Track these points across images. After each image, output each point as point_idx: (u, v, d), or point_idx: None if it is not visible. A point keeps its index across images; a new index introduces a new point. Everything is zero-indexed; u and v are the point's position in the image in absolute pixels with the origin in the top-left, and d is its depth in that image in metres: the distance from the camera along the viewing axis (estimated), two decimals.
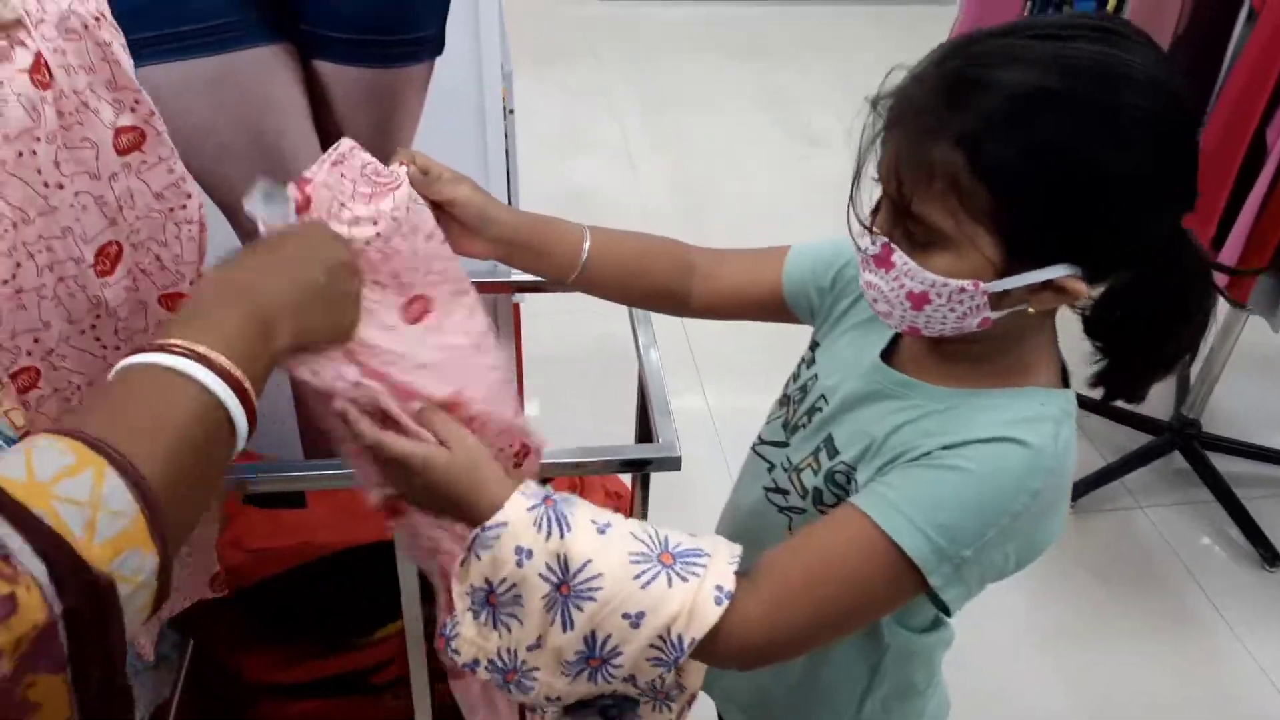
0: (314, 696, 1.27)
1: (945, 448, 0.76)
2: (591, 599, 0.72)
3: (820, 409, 0.91)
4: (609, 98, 4.22)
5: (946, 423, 0.79)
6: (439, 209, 0.86)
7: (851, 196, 0.77)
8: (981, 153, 0.68)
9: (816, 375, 0.94)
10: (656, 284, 1.00)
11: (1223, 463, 2.43)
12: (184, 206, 0.91)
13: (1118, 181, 0.68)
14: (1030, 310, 0.74)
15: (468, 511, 0.76)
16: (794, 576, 0.77)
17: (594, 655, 0.74)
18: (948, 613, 0.79)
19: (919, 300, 0.75)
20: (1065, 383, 0.82)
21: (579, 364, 2.60)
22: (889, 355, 0.88)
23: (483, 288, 1.46)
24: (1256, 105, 1.78)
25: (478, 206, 0.89)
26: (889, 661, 0.96)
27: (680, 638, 0.72)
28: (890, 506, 0.76)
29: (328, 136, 1.27)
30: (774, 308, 1.00)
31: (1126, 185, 0.68)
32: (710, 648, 0.74)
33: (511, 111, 1.45)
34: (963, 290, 0.73)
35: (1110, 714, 1.95)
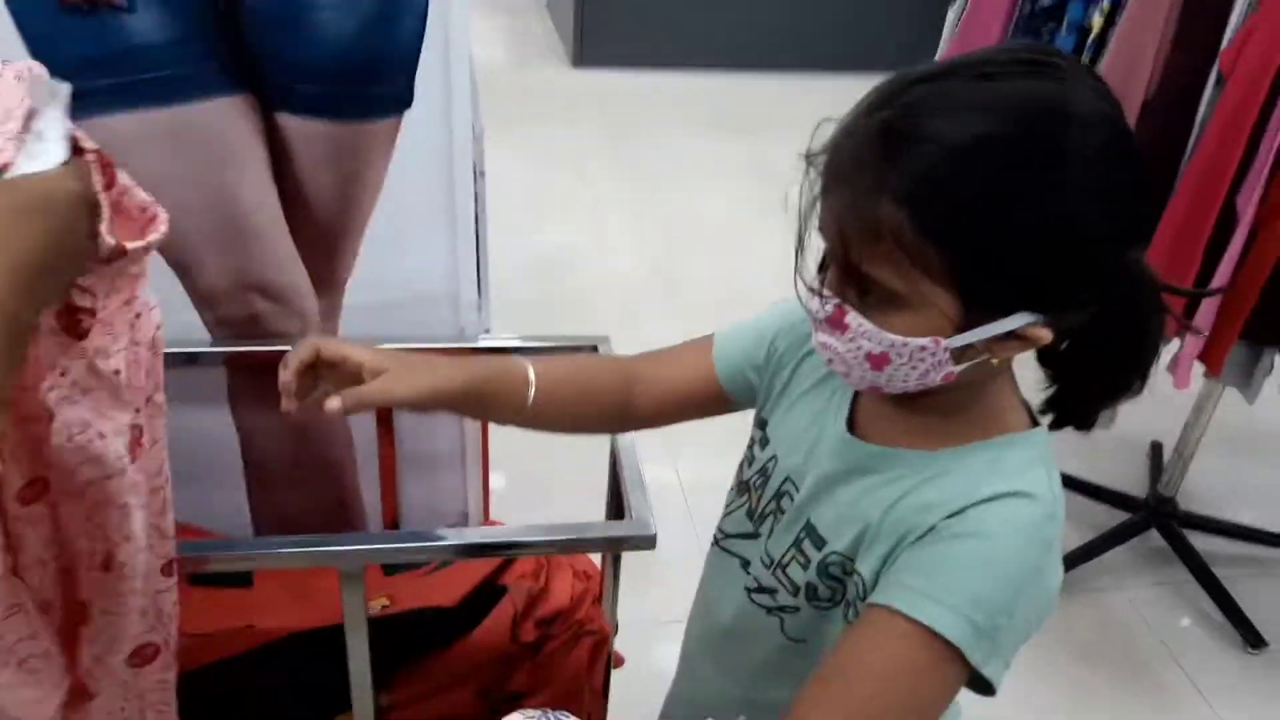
0: None
1: (950, 516, 0.72)
2: None
3: (788, 493, 0.86)
4: (582, 165, 4.21)
5: (941, 490, 0.75)
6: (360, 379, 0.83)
7: (797, 260, 0.74)
8: (923, 211, 0.64)
9: (775, 457, 0.89)
10: (603, 405, 0.97)
11: (1201, 541, 2.40)
12: None
13: (1070, 223, 0.65)
14: (994, 361, 0.72)
15: None
16: (849, 706, 0.70)
17: None
18: (992, 690, 0.73)
19: (878, 361, 0.72)
20: (1034, 420, 0.80)
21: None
22: (851, 421, 0.84)
23: (451, 354, 1.41)
24: (1226, 171, 1.76)
25: (403, 365, 0.85)
26: None
27: None
28: (916, 595, 0.70)
29: (288, 194, 1.21)
30: (714, 399, 0.96)
31: (1080, 226, 0.65)
32: None
33: (483, 174, 1.40)
34: (923, 349, 0.70)
35: None
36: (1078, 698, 2.08)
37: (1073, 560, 2.33)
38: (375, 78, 1.14)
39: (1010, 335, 0.69)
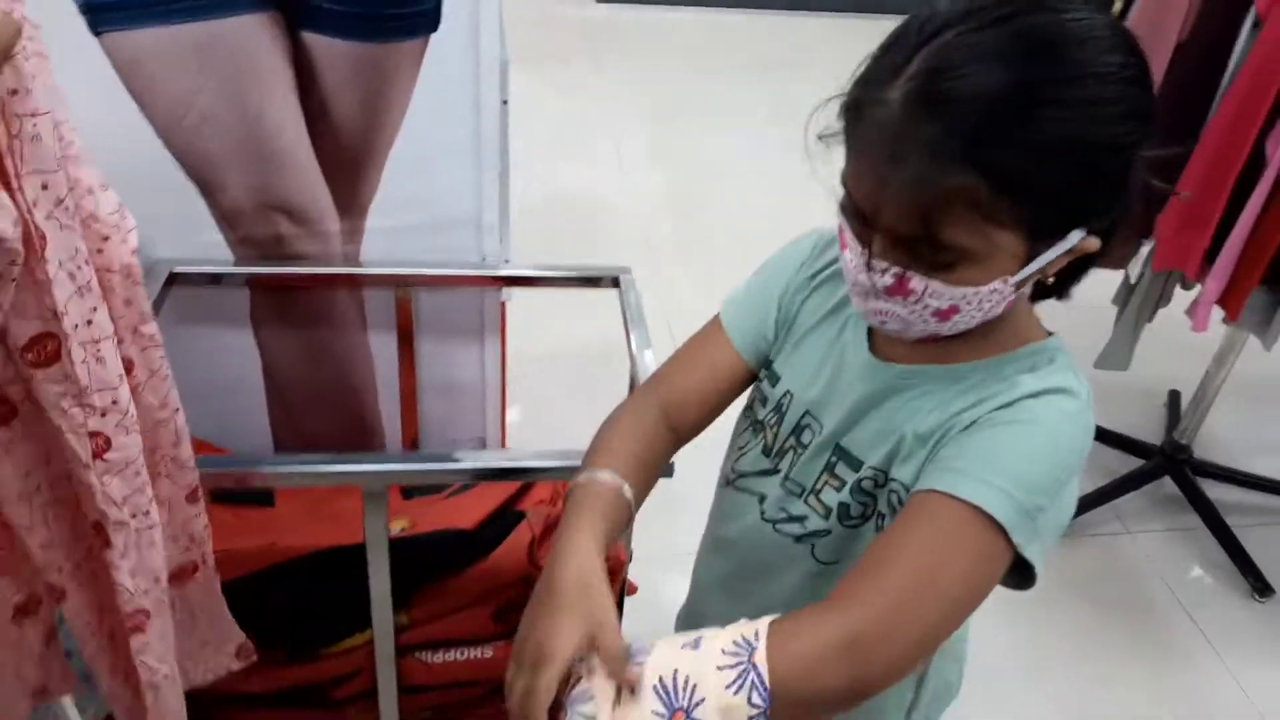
0: (273, 708, 1.20)
1: (999, 408, 0.74)
2: None
3: (809, 426, 0.87)
4: (604, 100, 4.16)
5: (979, 394, 0.76)
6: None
7: (847, 218, 0.73)
8: (995, 167, 0.65)
9: (789, 392, 0.89)
10: (662, 455, 0.92)
11: (1214, 490, 2.40)
12: None
13: (1115, 139, 0.68)
14: (1049, 280, 0.74)
15: None
16: (899, 584, 0.69)
17: None
18: (1031, 580, 0.73)
19: (947, 314, 0.73)
20: (1047, 330, 0.82)
21: (567, 365, 2.54)
22: (871, 347, 0.85)
23: (467, 281, 1.41)
24: (1258, 114, 1.74)
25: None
26: (932, 668, 0.92)
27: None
28: (960, 476, 0.71)
29: (312, 114, 1.20)
30: (747, 378, 0.94)
31: (1122, 138, 0.68)
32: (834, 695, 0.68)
33: (505, 102, 1.39)
34: (993, 291, 0.71)
35: None
36: (1084, 642, 2.10)
37: (1084, 505, 2.34)
38: None
39: (1065, 253, 0.71)
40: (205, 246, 1.28)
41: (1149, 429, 2.58)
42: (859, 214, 0.72)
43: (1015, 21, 0.66)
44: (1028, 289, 0.75)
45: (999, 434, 0.73)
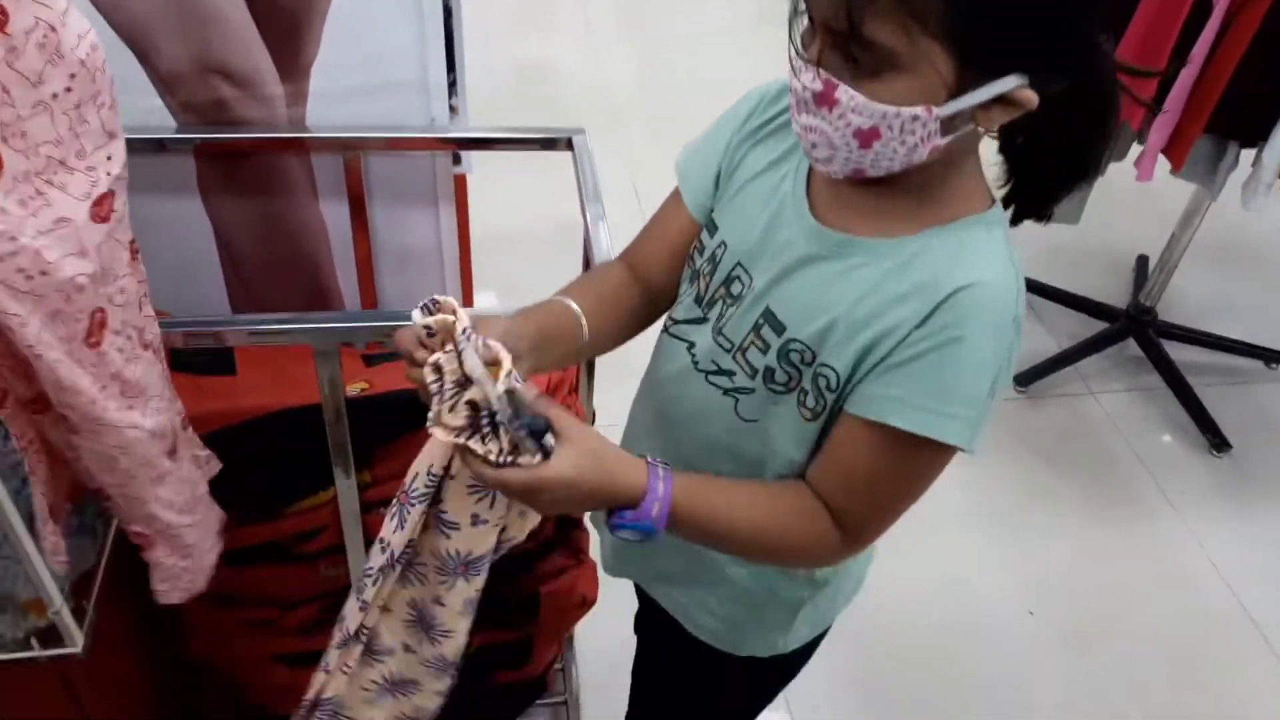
0: (241, 564, 1.23)
1: (923, 323, 0.75)
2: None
3: (738, 278, 0.87)
4: None
5: (907, 281, 0.77)
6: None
7: (791, 27, 0.73)
8: None
9: (724, 243, 0.89)
10: (633, 318, 0.98)
11: (1177, 351, 2.44)
12: None
13: None
14: (980, 130, 0.72)
15: (609, 503, 0.80)
16: (868, 502, 0.83)
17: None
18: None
19: (868, 137, 0.71)
20: (992, 199, 0.81)
21: (532, 244, 2.53)
22: (808, 206, 0.84)
23: (416, 145, 1.39)
24: None
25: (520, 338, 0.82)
26: (838, 570, 0.99)
27: None
28: (919, 412, 0.76)
29: None
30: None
31: None
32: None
33: None
34: (915, 118, 0.69)
35: (1055, 593, 1.98)
36: (1045, 500, 2.16)
37: (1048, 367, 2.38)
38: None
39: (998, 101, 0.69)
40: (148, 113, 1.26)
41: (1116, 294, 2.61)
42: (798, 6, 0.72)
43: None
44: (965, 137, 0.73)
45: (938, 359, 0.75)
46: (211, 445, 1.15)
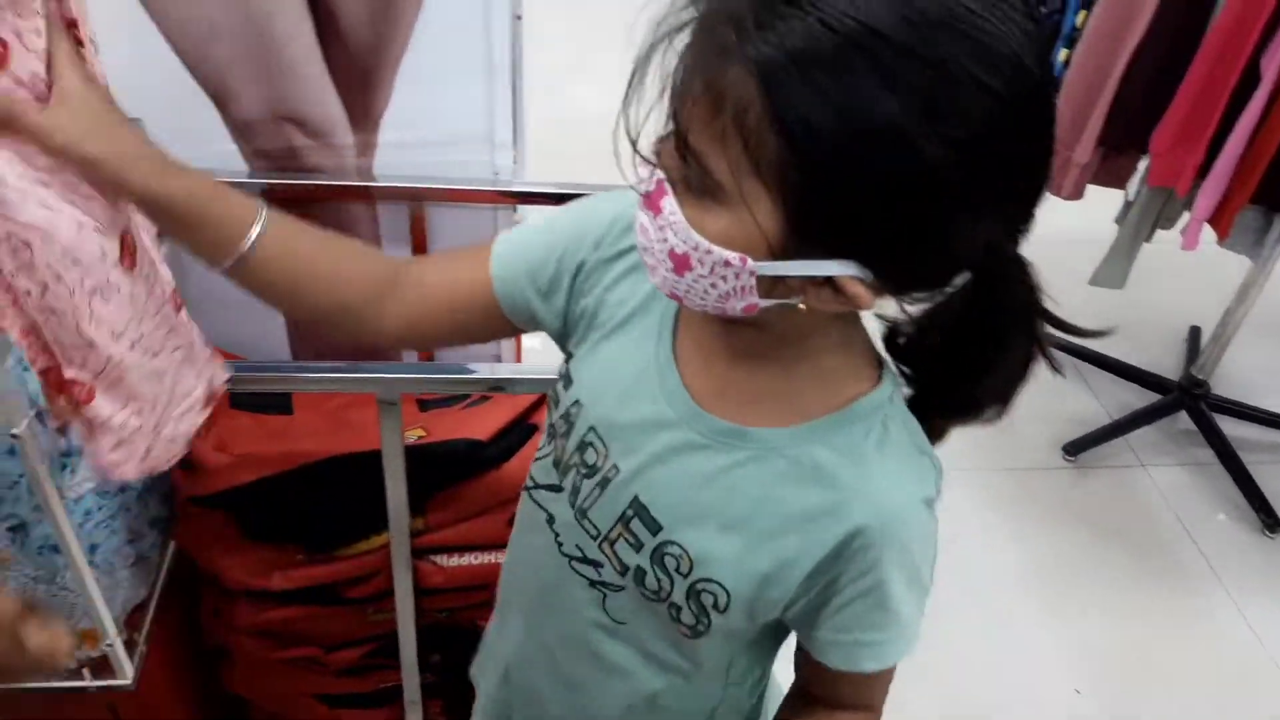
0: (292, 604, 1.24)
1: (833, 560, 0.69)
2: None
3: (592, 444, 0.76)
4: (624, 20, 4.09)
5: (803, 495, 0.69)
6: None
7: (625, 109, 0.61)
8: (781, 91, 0.53)
9: (579, 402, 0.77)
10: (338, 296, 0.80)
11: (1229, 426, 2.40)
12: None
13: (935, 171, 0.54)
14: (801, 307, 0.61)
15: None
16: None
17: None
18: None
19: (680, 262, 0.61)
20: (878, 363, 0.72)
21: None
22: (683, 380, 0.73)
23: (480, 197, 1.42)
24: (1251, 32, 1.74)
25: (127, 144, 0.69)
26: (771, 677, 0.93)
27: None
28: (875, 648, 0.74)
29: (322, 23, 1.21)
30: (490, 314, 0.80)
31: (945, 178, 0.54)
32: None
33: (519, 17, 1.38)
34: (727, 264, 0.59)
35: (1100, 666, 1.93)
36: (1095, 574, 2.12)
37: (1099, 437, 2.35)
38: None
39: (828, 284, 0.60)
40: (223, 157, 1.29)
41: (1168, 364, 2.57)
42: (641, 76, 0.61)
43: None
44: (817, 310, 0.62)
45: (876, 600, 0.71)
46: (271, 487, 1.17)
